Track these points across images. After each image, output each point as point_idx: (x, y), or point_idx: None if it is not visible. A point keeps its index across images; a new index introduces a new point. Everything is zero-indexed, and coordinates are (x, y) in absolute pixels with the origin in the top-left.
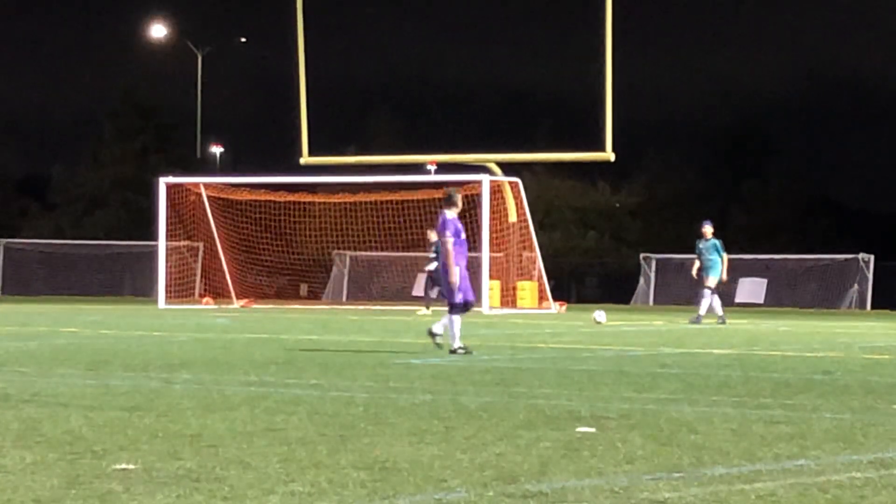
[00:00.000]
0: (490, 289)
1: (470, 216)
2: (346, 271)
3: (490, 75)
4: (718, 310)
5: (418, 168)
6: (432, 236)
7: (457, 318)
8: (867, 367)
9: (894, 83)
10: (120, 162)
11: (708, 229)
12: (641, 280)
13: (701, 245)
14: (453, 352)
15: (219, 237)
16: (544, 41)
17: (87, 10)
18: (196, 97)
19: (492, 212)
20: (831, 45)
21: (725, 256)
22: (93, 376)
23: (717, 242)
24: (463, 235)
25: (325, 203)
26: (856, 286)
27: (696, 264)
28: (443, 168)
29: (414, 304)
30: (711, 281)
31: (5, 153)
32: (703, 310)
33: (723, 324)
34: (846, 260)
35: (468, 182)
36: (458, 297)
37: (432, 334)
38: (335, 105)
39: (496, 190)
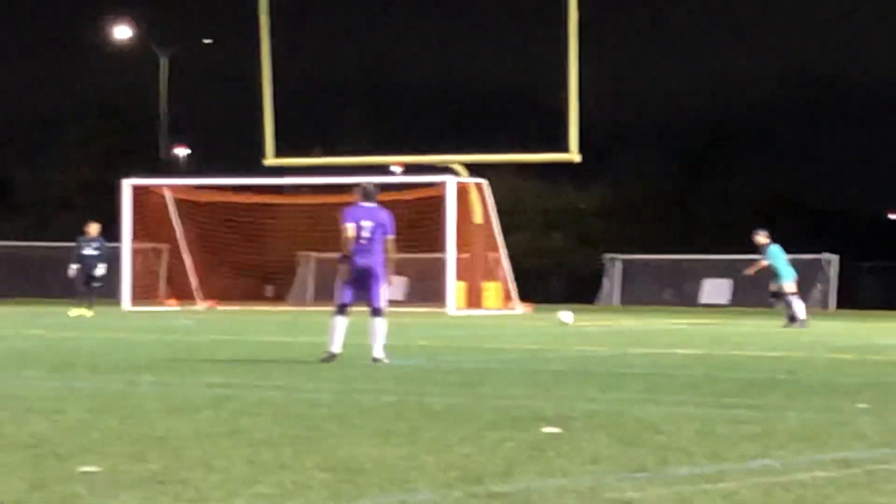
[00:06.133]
0: (456, 290)
1: (437, 217)
2: (311, 273)
3: (457, 75)
4: (795, 312)
5: (385, 169)
6: (92, 229)
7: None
8: (831, 367)
9: (860, 85)
10: (85, 164)
11: (758, 238)
12: (606, 280)
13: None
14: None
15: (184, 239)
16: (512, 40)
17: (50, 10)
18: (160, 99)
19: (458, 213)
20: (797, 47)
21: (763, 261)
22: (57, 378)
23: (772, 248)
24: (360, 230)
25: (290, 204)
26: (819, 286)
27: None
28: (409, 169)
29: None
30: (787, 286)
31: None
32: (800, 314)
33: (789, 326)
34: (810, 260)
35: (434, 183)
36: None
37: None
38: (301, 105)
39: (462, 191)
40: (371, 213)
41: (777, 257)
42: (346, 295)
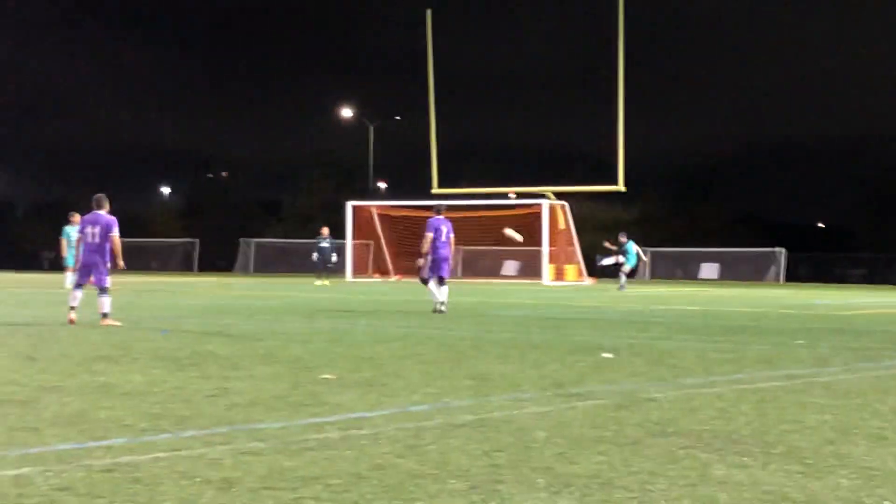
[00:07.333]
0: (548, 269)
1: (537, 225)
2: (459, 258)
3: (549, 135)
4: (623, 283)
5: (504, 196)
6: (325, 231)
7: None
8: (780, 318)
9: (802, 141)
10: (324, 192)
11: (620, 238)
12: (641, 264)
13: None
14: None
15: (383, 237)
16: (592, 114)
17: (302, 97)
18: (369, 152)
19: (549, 222)
20: (759, 116)
21: (634, 249)
22: (308, 321)
23: (629, 244)
24: (439, 233)
25: (446, 216)
26: (773, 268)
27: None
28: (520, 195)
29: (502, 280)
30: (626, 268)
31: (255, 185)
32: (623, 284)
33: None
34: (769, 252)
35: (534, 204)
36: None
37: (442, 305)
38: (453, 158)
39: (552, 209)
40: (444, 222)
41: (630, 250)
42: (436, 270)
